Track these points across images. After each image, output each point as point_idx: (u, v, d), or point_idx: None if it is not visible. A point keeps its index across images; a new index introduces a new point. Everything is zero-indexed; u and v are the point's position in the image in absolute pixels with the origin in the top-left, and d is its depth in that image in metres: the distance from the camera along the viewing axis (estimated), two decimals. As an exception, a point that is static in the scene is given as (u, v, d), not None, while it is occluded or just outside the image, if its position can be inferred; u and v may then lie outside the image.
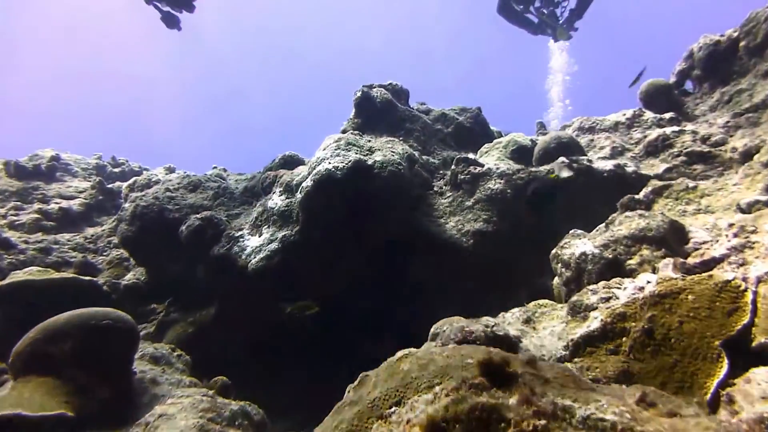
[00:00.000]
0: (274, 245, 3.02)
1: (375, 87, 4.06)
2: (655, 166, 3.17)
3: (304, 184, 2.94)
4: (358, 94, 3.92)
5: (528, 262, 3.10)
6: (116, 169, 6.80)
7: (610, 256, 2.00)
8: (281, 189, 3.21)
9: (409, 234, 3.20)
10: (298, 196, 2.98)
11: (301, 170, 3.25)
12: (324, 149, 3.14)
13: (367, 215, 3.08)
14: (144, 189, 4.55)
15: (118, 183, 5.61)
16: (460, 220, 3.25)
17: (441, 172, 3.75)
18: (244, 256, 3.10)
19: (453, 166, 3.48)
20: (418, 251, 3.21)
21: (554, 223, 3.19)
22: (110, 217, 4.84)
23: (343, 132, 3.85)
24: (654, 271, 1.85)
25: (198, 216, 3.28)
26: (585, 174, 3.17)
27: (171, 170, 8.93)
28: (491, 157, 3.66)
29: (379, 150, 3.12)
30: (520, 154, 3.63)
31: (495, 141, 3.81)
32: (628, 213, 2.21)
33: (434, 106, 4.94)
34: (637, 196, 2.40)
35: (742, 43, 3.40)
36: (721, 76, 3.52)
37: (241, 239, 3.21)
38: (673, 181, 2.36)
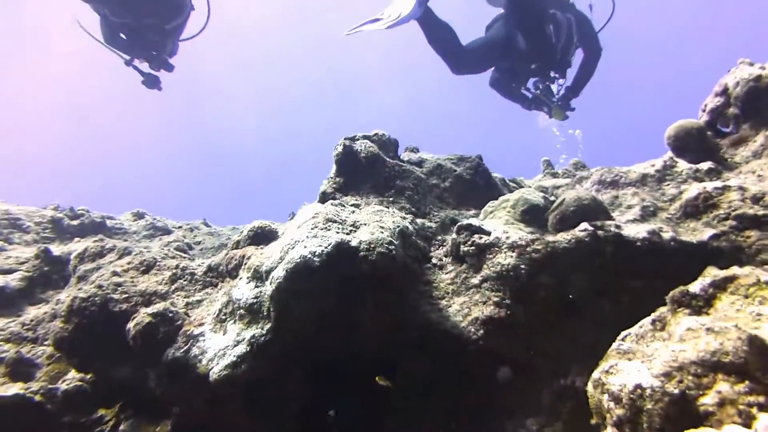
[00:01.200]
0: (241, 348, 2.55)
1: (358, 139, 3.64)
2: (698, 231, 2.75)
3: (275, 274, 2.48)
4: (339, 148, 3.49)
5: (549, 357, 2.65)
6: (74, 222, 6.30)
7: (676, 391, 1.54)
8: (249, 275, 2.75)
9: (404, 325, 2.74)
10: (269, 287, 2.52)
11: (274, 250, 2.79)
12: (299, 227, 2.69)
13: (353, 306, 2.62)
14: (96, 259, 4.07)
15: (67, 248, 5.10)
16: (465, 303, 2.80)
17: (440, 238, 3.31)
18: (204, 362, 2.62)
19: (454, 235, 3.04)
20: (417, 345, 2.74)
21: (579, 301, 2.76)
22: (58, 292, 4.36)
23: (323, 194, 3.43)
24: (744, 421, 1.40)
25: (149, 311, 2.80)
26: (614, 243, 2.73)
27: (139, 216, 8.48)
28: (498, 220, 3.22)
29: (365, 225, 2.67)
30: (533, 215, 3.21)
31: (501, 199, 3.38)
32: (686, 320, 1.76)
33: (428, 151, 4.54)
34: (692, 290, 1.96)
35: (788, 79, 3.02)
36: (764, 116, 3.14)
37: (202, 338, 2.73)
38: (739, 272, 1.91)
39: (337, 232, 2.56)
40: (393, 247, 2.52)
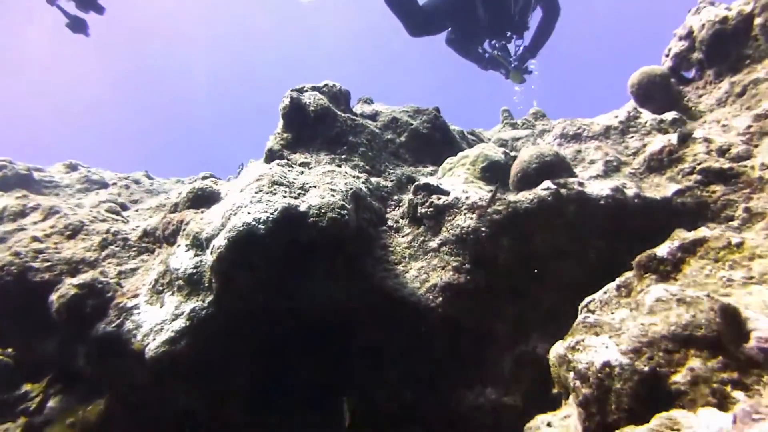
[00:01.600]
0: (180, 323, 2.36)
1: (307, 90, 3.38)
2: (662, 187, 2.68)
3: (216, 243, 2.28)
4: (286, 101, 3.23)
5: (510, 323, 2.57)
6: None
7: (646, 368, 1.46)
8: (188, 243, 2.53)
9: (358, 293, 2.60)
10: (210, 257, 2.31)
11: (215, 215, 2.57)
12: (242, 190, 2.47)
13: (303, 275, 2.46)
14: (17, 218, 3.73)
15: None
16: (423, 268, 2.67)
17: (396, 198, 3.15)
18: (139, 337, 2.43)
19: (411, 196, 2.88)
20: (372, 313, 2.62)
21: (541, 264, 2.68)
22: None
23: (269, 152, 3.19)
24: (718, 401, 1.33)
25: (75, 282, 2.56)
26: (576, 201, 2.64)
27: (72, 167, 7.95)
28: (457, 178, 3.07)
29: (315, 187, 2.48)
30: (493, 172, 3.07)
31: (460, 155, 3.22)
32: (655, 289, 1.68)
33: (383, 103, 4.32)
34: (659, 254, 1.88)
35: (757, 21, 2.93)
36: (730, 62, 3.05)
37: (136, 311, 2.53)
38: (708, 234, 1.83)
39: (284, 196, 2.36)
40: (345, 211, 2.35)
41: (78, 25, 4.96)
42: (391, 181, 3.24)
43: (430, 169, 3.49)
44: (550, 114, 6.19)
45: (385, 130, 3.57)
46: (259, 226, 2.23)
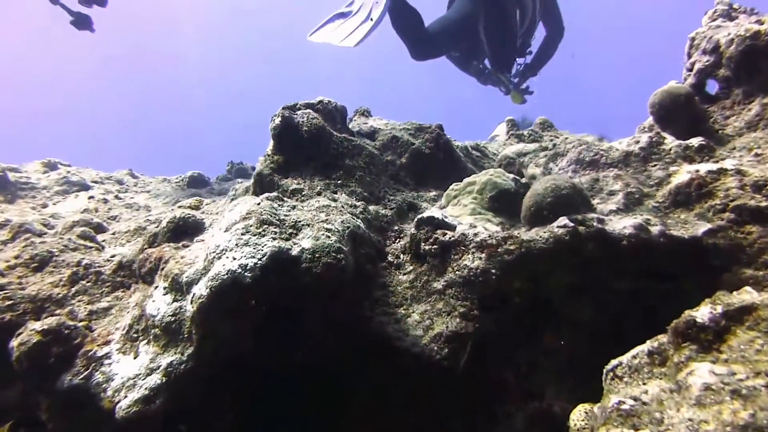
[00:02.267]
0: (155, 378, 2.15)
1: (300, 108, 3.16)
2: (690, 224, 2.49)
3: (197, 290, 2.07)
4: (277, 120, 3.01)
5: (522, 374, 2.38)
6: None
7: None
8: (166, 285, 2.31)
9: (355, 340, 2.40)
10: (190, 307, 2.10)
11: (197, 254, 2.36)
12: (227, 229, 2.25)
13: (293, 323, 2.26)
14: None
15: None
16: (427, 312, 2.47)
17: (396, 228, 2.94)
18: (110, 392, 2.22)
19: (413, 229, 2.67)
20: (370, 363, 2.41)
21: (556, 308, 2.48)
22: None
23: (259, 176, 2.97)
24: None
25: (38, 328, 2.34)
26: (596, 239, 2.44)
27: (50, 167, 7.73)
28: (463, 209, 2.87)
29: (308, 226, 2.26)
30: (502, 202, 2.87)
31: (466, 182, 3.01)
32: (700, 368, 1.48)
33: (380, 116, 4.11)
34: (700, 320, 1.69)
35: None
36: (761, 81, 2.86)
37: (107, 361, 2.32)
38: (758, 300, 1.64)
39: (274, 238, 2.15)
40: (342, 255, 2.14)
41: (82, 22, 4.88)
42: (391, 209, 3.03)
43: (433, 193, 3.29)
44: (555, 121, 6.02)
45: (384, 150, 3.36)
46: (246, 273, 2.02)
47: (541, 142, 5.03)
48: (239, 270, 2.02)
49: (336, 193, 2.92)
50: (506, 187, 2.92)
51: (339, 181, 2.97)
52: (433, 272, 2.58)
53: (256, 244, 2.11)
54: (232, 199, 3.28)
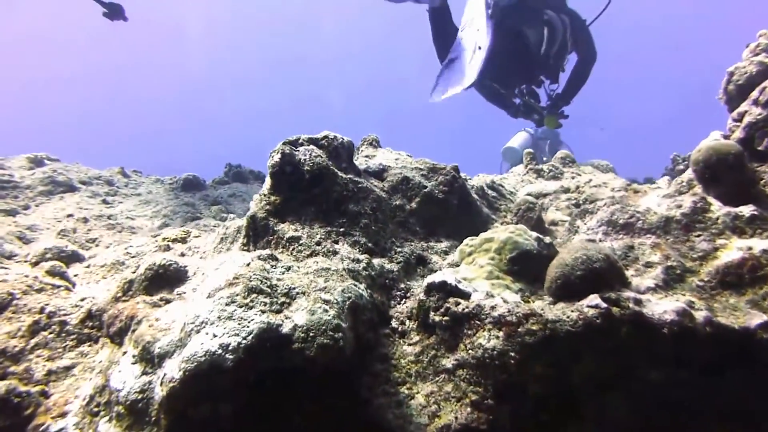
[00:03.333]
0: (114, 466, 1.90)
1: (302, 143, 2.93)
2: (741, 312, 2.25)
3: (169, 370, 1.84)
4: (276, 157, 2.79)
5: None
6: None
7: None
8: (136, 353, 2.08)
9: (350, 426, 2.15)
10: (159, 390, 1.87)
11: (173, 318, 2.12)
12: (209, 296, 2.01)
13: (279, 408, 2.02)
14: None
15: None
16: (433, 395, 2.23)
17: (402, 286, 2.71)
18: (62, 479, 1.97)
19: (422, 295, 2.44)
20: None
21: (581, 399, 2.24)
22: None
23: (252, 219, 2.75)
24: None
25: (-15, 394, 2.10)
26: (631, 323, 2.20)
27: (36, 162, 7.56)
28: (479, 270, 2.63)
29: (303, 294, 2.03)
30: (523, 265, 2.64)
31: (483, 238, 2.78)
32: None
33: (390, 146, 3.88)
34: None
35: None
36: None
37: (63, 437, 2.07)
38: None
39: (263, 311, 1.92)
40: (340, 334, 1.91)
41: (115, 12, 5.00)
42: (398, 262, 2.80)
43: (444, 244, 3.06)
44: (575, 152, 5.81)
45: (393, 193, 3.12)
46: (227, 355, 1.78)
47: (561, 179, 4.82)
48: (219, 351, 1.78)
49: (337, 243, 2.69)
50: (528, 247, 2.68)
51: (342, 230, 2.74)
52: (442, 347, 2.35)
53: (242, 318, 1.88)
54: (221, 239, 3.05)
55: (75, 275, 3.10)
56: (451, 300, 2.37)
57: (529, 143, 12.57)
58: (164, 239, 3.37)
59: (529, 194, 4.33)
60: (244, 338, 1.82)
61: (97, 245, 3.93)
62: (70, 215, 4.25)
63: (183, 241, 3.39)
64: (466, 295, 2.41)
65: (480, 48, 4.88)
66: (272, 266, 2.18)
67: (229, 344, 1.80)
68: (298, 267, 2.24)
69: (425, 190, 3.14)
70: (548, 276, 2.45)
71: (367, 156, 3.67)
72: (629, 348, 2.22)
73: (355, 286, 2.17)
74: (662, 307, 2.24)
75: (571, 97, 6.22)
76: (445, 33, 5.20)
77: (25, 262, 3.44)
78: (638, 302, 2.25)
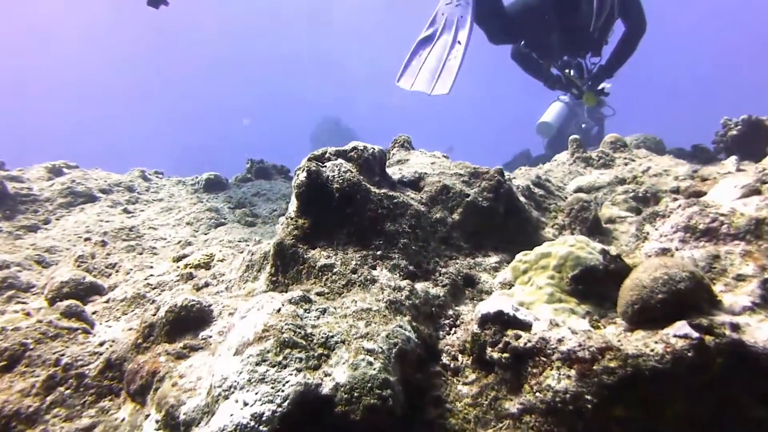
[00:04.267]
0: None
1: (330, 157, 2.71)
2: None
3: (194, 442, 1.63)
4: (302, 176, 2.57)
5: None
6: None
7: None
8: (159, 418, 1.90)
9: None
10: (184, 462, 1.67)
11: (199, 375, 1.93)
12: (237, 352, 1.81)
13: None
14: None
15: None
16: (498, 446, 1.99)
17: (451, 313, 2.48)
18: None
19: (476, 328, 2.20)
20: None
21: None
22: None
23: (279, 247, 2.55)
24: None
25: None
26: (729, 353, 1.93)
27: (55, 172, 7.55)
28: (537, 292, 2.38)
29: (343, 343, 1.83)
30: (588, 282, 2.37)
31: (539, 253, 2.52)
32: None
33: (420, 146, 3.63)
34: None
35: None
36: None
37: None
38: None
39: (299, 369, 1.71)
40: (389, 391, 1.70)
41: None
42: (443, 285, 2.56)
43: (493, 259, 2.81)
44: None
45: (432, 204, 2.88)
46: (261, 428, 1.58)
47: (613, 167, 4.50)
48: (252, 423, 1.59)
49: (375, 269, 2.47)
50: (592, 263, 2.41)
51: (379, 252, 2.52)
52: (503, 387, 2.11)
53: (275, 380, 1.68)
54: (247, 267, 2.86)
55: (93, 312, 2.95)
56: (509, 333, 2.13)
57: (564, 114, 12.14)
58: (186, 266, 3.21)
59: (580, 188, 4.03)
60: (279, 405, 1.62)
61: (117, 271, 3.79)
62: (87, 239, 4.12)
63: (206, 266, 3.21)
64: (526, 326, 2.16)
65: (459, 43, 4.69)
66: (306, 310, 1.96)
67: (263, 414, 1.60)
68: (335, 308, 2.03)
69: (468, 199, 2.89)
70: (622, 299, 2.18)
71: (399, 161, 3.43)
72: (728, 382, 1.95)
73: (401, 328, 1.94)
74: (766, 332, 1.95)
75: (615, 70, 5.95)
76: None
77: (42, 294, 3.32)
78: (735, 327, 1.97)
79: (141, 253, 4.22)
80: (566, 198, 3.84)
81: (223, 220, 6.41)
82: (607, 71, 5.82)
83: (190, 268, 3.15)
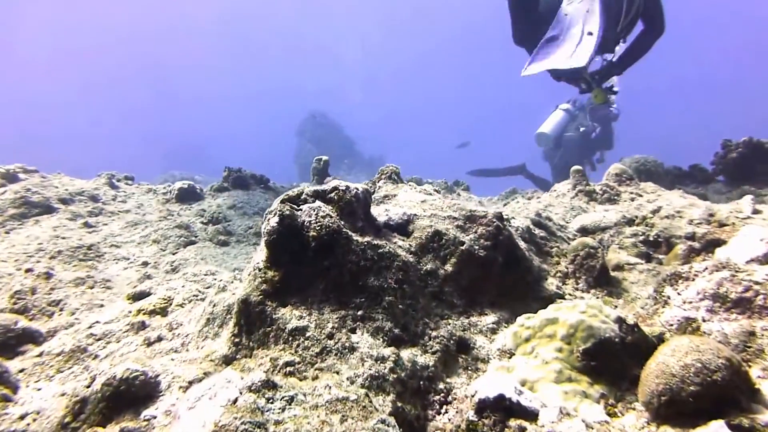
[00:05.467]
0: None
1: (306, 199, 2.42)
2: None
3: None
4: (273, 221, 2.29)
5: None
6: None
7: None
8: None
9: None
10: None
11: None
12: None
13: None
14: None
15: None
16: None
17: (442, 387, 2.20)
18: None
19: (472, 415, 1.93)
20: None
21: None
22: None
23: (244, 304, 2.29)
24: None
25: None
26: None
27: (10, 179, 7.16)
28: (543, 368, 2.12)
29: (312, 446, 1.53)
30: (603, 359, 2.12)
31: (544, 319, 2.28)
32: None
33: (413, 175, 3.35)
34: None
35: None
36: None
37: None
38: None
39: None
40: None
41: None
42: (434, 351, 2.30)
43: (490, 319, 2.55)
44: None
45: (422, 254, 2.62)
46: None
47: (618, 202, 4.28)
48: None
49: (355, 332, 2.21)
50: (607, 335, 2.16)
51: (360, 312, 2.26)
52: (505, 489, 1.83)
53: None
54: (207, 321, 2.56)
55: (21, 370, 2.62)
56: (512, 424, 1.86)
57: (565, 123, 12.05)
58: (139, 311, 2.90)
59: (584, 228, 3.80)
60: None
61: (61, 310, 3.46)
62: (29, 270, 3.78)
63: (162, 312, 2.91)
64: (531, 415, 1.90)
65: (591, 34, 4.98)
66: (268, 400, 1.68)
67: None
68: (305, 395, 1.74)
69: (463, 248, 2.64)
70: (645, 386, 1.92)
71: (386, 196, 3.16)
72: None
73: (383, 423, 1.66)
74: (814, 436, 1.71)
75: (627, 67, 6.14)
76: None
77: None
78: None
79: (92, 287, 3.88)
80: (569, 239, 3.60)
81: (193, 239, 6.09)
82: (618, 67, 6.11)
83: (144, 314, 2.84)
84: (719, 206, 3.99)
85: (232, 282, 3.85)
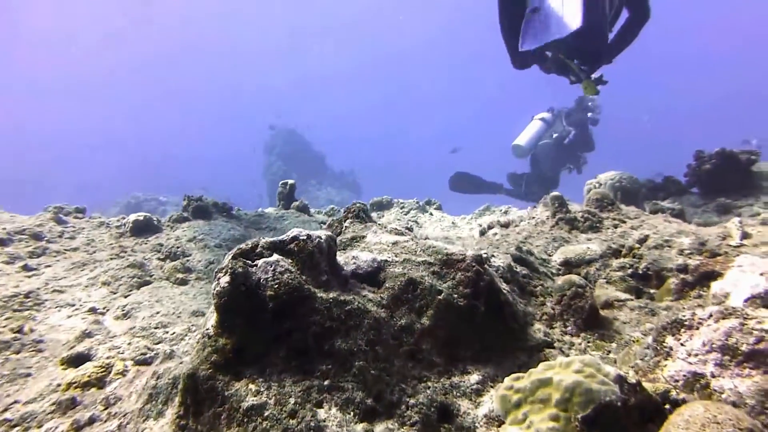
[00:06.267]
0: None
1: (262, 251, 2.18)
2: None
3: None
4: (224, 280, 2.05)
5: None
6: None
7: None
8: None
9: None
10: None
11: None
12: None
13: None
14: None
15: None
16: None
17: (422, 465, 1.96)
18: None
19: (461, 506, 1.69)
20: None
21: None
22: None
23: (191, 379, 2.00)
24: None
25: None
26: None
27: None
28: (539, 442, 1.89)
29: None
30: (604, 426, 1.91)
31: (536, 379, 2.06)
32: None
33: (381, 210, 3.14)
34: None
35: None
36: None
37: None
38: None
39: None
40: None
41: None
42: (412, 424, 2.07)
43: (474, 378, 2.34)
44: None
45: (395, 307, 2.39)
46: None
47: (601, 230, 4.13)
48: None
49: (322, 406, 1.98)
50: (608, 398, 1.96)
51: (326, 382, 2.02)
52: None
53: None
54: (149, 397, 2.28)
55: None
56: None
57: (542, 132, 12.08)
58: (70, 385, 2.60)
59: (567, 261, 3.62)
60: None
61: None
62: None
63: (99, 384, 2.62)
64: (529, 503, 1.67)
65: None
66: None
67: None
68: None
69: (440, 297, 2.42)
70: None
71: (354, 238, 2.94)
72: None
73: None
74: None
75: (615, 56, 6.26)
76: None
77: None
78: None
79: (19, 352, 3.53)
80: (552, 274, 3.42)
81: (148, 278, 5.74)
82: (607, 54, 6.17)
83: (75, 388, 2.55)
84: (708, 231, 3.87)
85: (185, 337, 3.57)
